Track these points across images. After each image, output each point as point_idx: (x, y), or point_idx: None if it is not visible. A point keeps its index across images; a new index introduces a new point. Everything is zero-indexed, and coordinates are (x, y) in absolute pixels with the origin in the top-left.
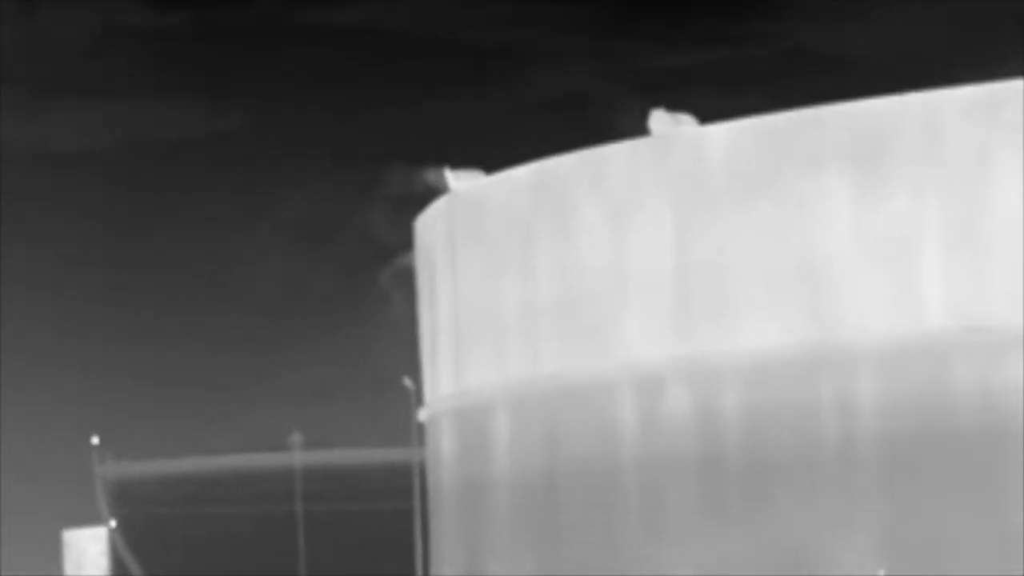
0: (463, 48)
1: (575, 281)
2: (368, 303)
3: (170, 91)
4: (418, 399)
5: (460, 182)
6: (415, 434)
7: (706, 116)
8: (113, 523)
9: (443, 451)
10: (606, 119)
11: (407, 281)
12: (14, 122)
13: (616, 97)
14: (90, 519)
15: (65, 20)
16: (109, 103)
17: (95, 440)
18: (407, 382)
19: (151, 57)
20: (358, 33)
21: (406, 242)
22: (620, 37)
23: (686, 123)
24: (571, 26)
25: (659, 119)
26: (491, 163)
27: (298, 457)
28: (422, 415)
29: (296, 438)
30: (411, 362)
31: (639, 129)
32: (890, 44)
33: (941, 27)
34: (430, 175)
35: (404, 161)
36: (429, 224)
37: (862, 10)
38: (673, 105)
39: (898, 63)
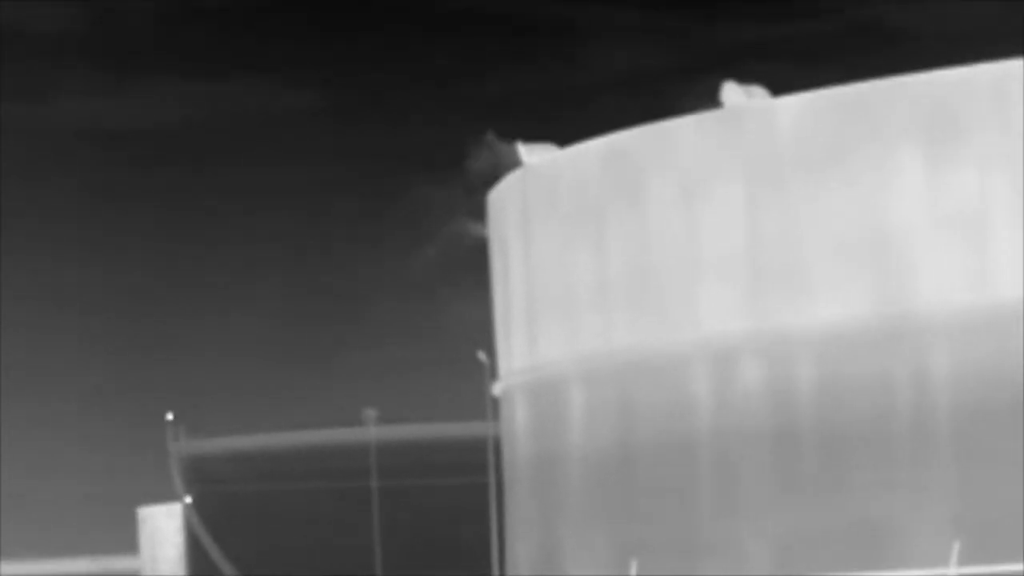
0: (535, 23)
1: (647, 255)
2: (440, 279)
3: (246, 67)
4: (492, 373)
5: (533, 156)
6: (489, 408)
7: (780, 89)
8: (188, 499)
9: (517, 425)
10: (678, 92)
11: (477, 252)
12: (91, 99)
13: (688, 70)
14: (165, 496)
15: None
16: (184, 80)
17: (169, 417)
18: (481, 356)
19: (227, 33)
20: (430, 11)
21: (478, 215)
22: (694, 11)
23: (758, 95)
24: (647, 1)
25: (731, 91)
26: (564, 137)
27: (372, 432)
28: (496, 389)
29: (370, 413)
30: (485, 336)
31: (711, 102)
32: (963, 16)
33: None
34: (502, 148)
35: (477, 135)
36: (501, 198)
37: None
38: (748, 78)
39: (971, 34)
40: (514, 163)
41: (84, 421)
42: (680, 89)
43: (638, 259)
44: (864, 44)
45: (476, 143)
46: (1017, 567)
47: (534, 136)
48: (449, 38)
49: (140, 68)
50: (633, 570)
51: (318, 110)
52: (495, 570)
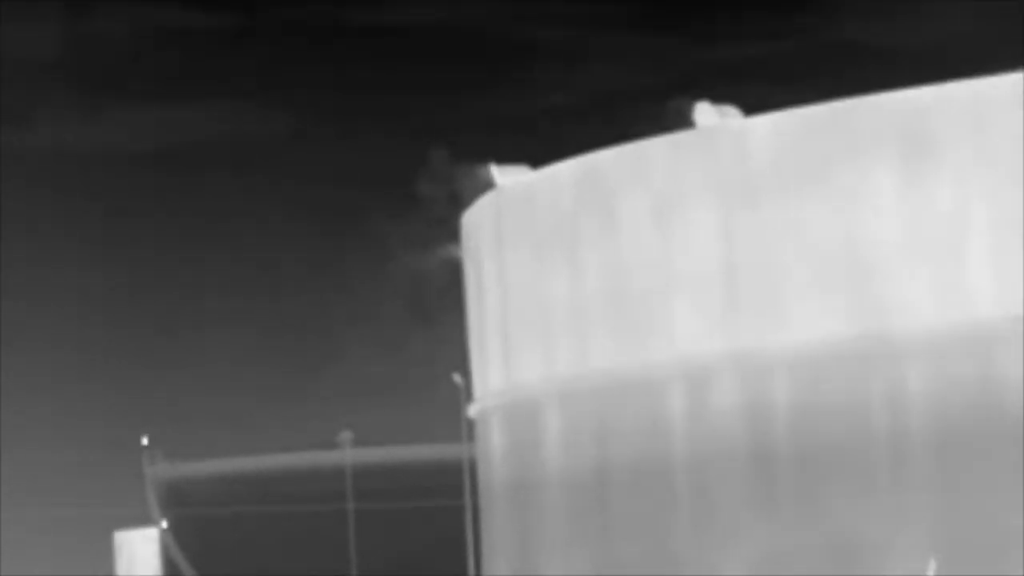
0: (511, 45)
1: (622, 276)
2: (416, 299)
3: (218, 93)
4: (468, 395)
5: (506, 178)
6: (465, 431)
7: (756, 109)
8: (164, 524)
9: (493, 447)
10: (652, 113)
11: (453, 274)
12: (64, 124)
13: (662, 91)
14: (142, 520)
15: (114, 23)
16: (158, 105)
17: (145, 441)
18: (456, 378)
19: (201, 59)
20: (402, 33)
21: (452, 237)
22: (668, 32)
23: (731, 115)
24: (619, 22)
25: (704, 112)
26: (538, 159)
27: (348, 455)
28: (472, 411)
29: (346, 436)
30: (461, 358)
31: (685, 123)
32: (940, 35)
33: (987, 17)
34: (476, 170)
35: (451, 157)
36: (475, 220)
37: (912, 2)
38: (722, 98)
39: (947, 53)
40: (470, 184)
41: (60, 445)
42: (654, 110)
43: (613, 280)
44: (840, 63)
45: (455, 168)
46: None
47: (509, 158)
48: (421, 60)
49: (114, 94)
50: None
51: (292, 134)
52: None
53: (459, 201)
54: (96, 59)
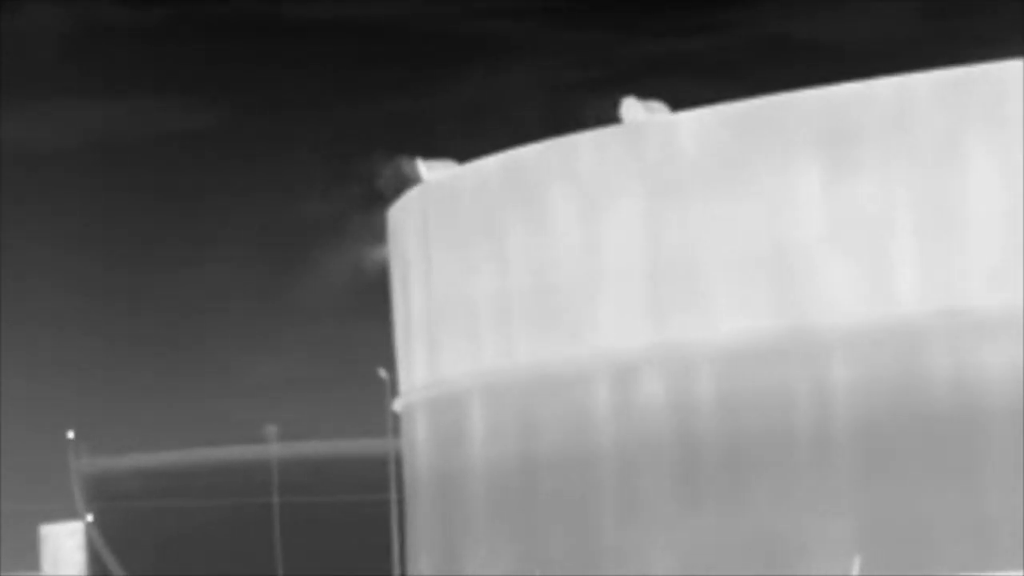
0: (437, 40)
1: (548, 270)
2: (342, 295)
3: (146, 89)
4: (393, 390)
5: (433, 172)
6: (390, 425)
7: (682, 104)
8: (89, 517)
9: (418, 441)
10: (580, 108)
11: (379, 269)
12: None
13: (589, 87)
14: (67, 514)
15: (41, 19)
16: (84, 102)
17: (71, 435)
18: (382, 373)
19: (127, 55)
20: (335, 27)
21: (380, 234)
22: (595, 27)
23: (657, 110)
24: (545, 17)
25: (630, 107)
26: (465, 153)
27: (273, 449)
28: (397, 406)
29: (271, 430)
30: (386, 353)
31: (612, 118)
32: (864, 30)
33: (913, 13)
34: (403, 165)
35: (379, 152)
36: (402, 214)
37: None
38: (649, 94)
39: (872, 49)
40: (396, 179)
41: None
42: (585, 104)
43: (539, 274)
44: (765, 58)
45: (383, 163)
46: None
47: (440, 152)
48: (348, 56)
49: (39, 90)
50: None
51: (219, 130)
52: None
53: (385, 196)
54: (21, 55)
